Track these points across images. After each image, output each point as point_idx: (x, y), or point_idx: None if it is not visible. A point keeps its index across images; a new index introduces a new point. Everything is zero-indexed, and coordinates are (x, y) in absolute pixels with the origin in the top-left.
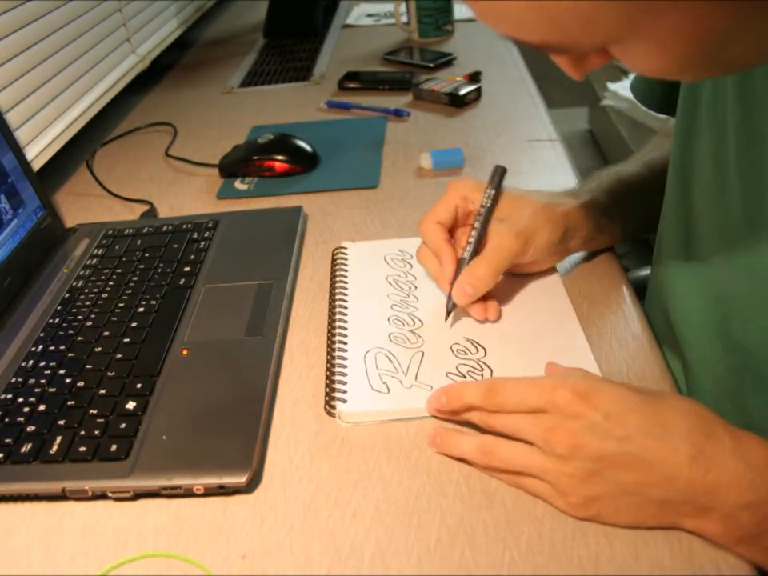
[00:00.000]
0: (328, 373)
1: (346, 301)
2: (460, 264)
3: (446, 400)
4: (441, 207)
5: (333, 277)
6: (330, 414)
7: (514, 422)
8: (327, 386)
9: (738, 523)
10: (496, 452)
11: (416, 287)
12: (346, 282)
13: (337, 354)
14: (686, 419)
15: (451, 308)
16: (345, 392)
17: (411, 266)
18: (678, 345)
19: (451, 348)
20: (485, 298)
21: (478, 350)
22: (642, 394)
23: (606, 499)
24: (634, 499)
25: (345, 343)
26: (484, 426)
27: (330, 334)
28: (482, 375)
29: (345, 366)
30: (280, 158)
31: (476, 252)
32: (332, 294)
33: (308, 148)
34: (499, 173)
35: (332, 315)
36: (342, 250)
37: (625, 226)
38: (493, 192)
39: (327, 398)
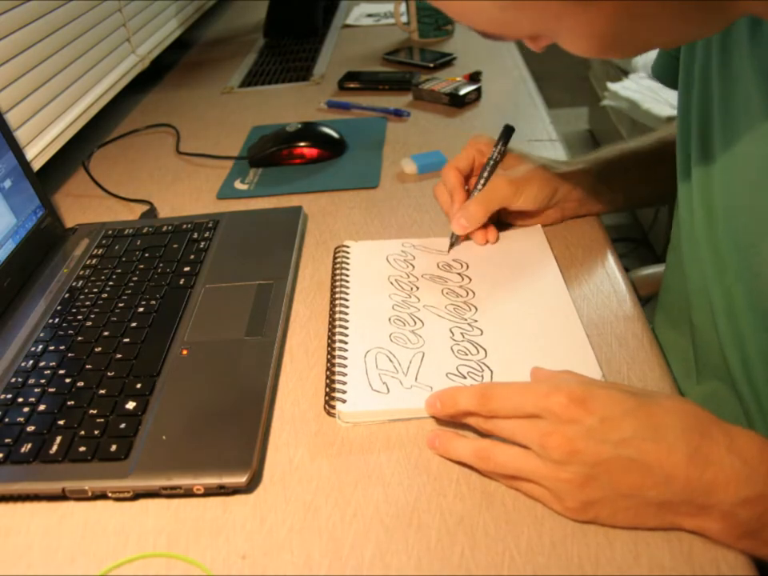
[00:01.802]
0: (328, 372)
1: (347, 300)
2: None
3: (441, 406)
4: (461, 157)
5: (334, 275)
6: (329, 413)
7: (510, 426)
8: (327, 385)
9: (738, 519)
10: (492, 457)
11: (417, 288)
12: (347, 281)
13: (337, 353)
14: (680, 419)
15: (453, 239)
16: (344, 392)
17: (413, 266)
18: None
19: (452, 349)
20: (485, 226)
21: (478, 351)
22: (635, 396)
23: (604, 503)
24: (632, 502)
25: (345, 343)
26: (481, 431)
27: (331, 333)
28: (482, 376)
29: (345, 366)
30: (310, 144)
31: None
32: (333, 293)
33: (335, 134)
34: (506, 132)
35: (332, 314)
36: (345, 249)
37: (625, 194)
38: (500, 148)
39: (327, 398)
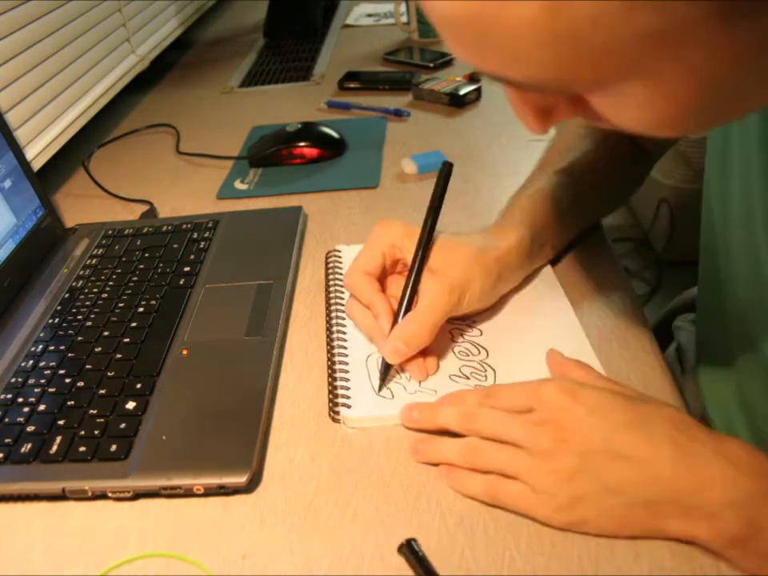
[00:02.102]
0: (330, 378)
1: (343, 304)
2: (394, 319)
3: (457, 399)
4: (367, 257)
5: (327, 280)
6: (334, 420)
7: (500, 421)
8: (330, 392)
9: (725, 524)
10: (480, 451)
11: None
12: (341, 285)
13: (337, 359)
14: (668, 421)
15: (384, 370)
16: (348, 397)
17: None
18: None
19: (453, 350)
20: (423, 353)
21: (480, 352)
22: (625, 395)
23: (591, 500)
24: (619, 500)
25: (345, 348)
26: (466, 432)
27: (329, 339)
28: (486, 376)
29: (347, 372)
30: (310, 144)
31: (410, 307)
32: (328, 298)
33: (335, 134)
34: (434, 212)
35: (329, 319)
36: (336, 253)
37: (557, 243)
38: (424, 242)
39: (331, 404)
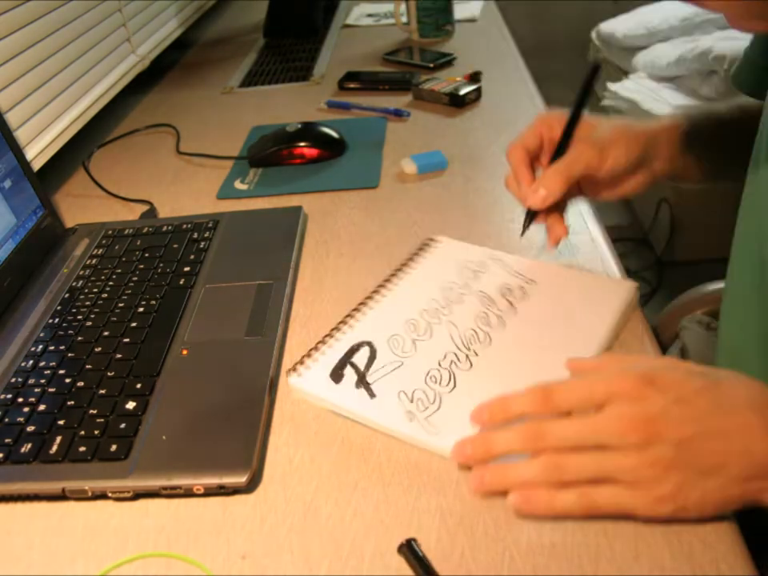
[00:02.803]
0: (316, 344)
1: (390, 289)
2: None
3: (488, 416)
4: (528, 133)
5: (405, 261)
6: (287, 376)
7: (576, 429)
8: (305, 354)
9: None
10: (564, 464)
11: (461, 302)
12: (408, 272)
13: (335, 333)
14: (749, 394)
15: (527, 217)
16: (308, 367)
17: (478, 279)
18: None
19: (428, 372)
20: (561, 214)
21: (448, 384)
22: (701, 374)
23: (690, 486)
24: (717, 482)
25: (352, 326)
26: (541, 452)
27: (349, 314)
28: (430, 403)
29: (331, 346)
30: (310, 144)
31: (557, 159)
32: (387, 278)
33: (335, 134)
34: (592, 73)
35: (367, 297)
36: (434, 242)
37: (708, 158)
38: (578, 103)
39: (295, 364)
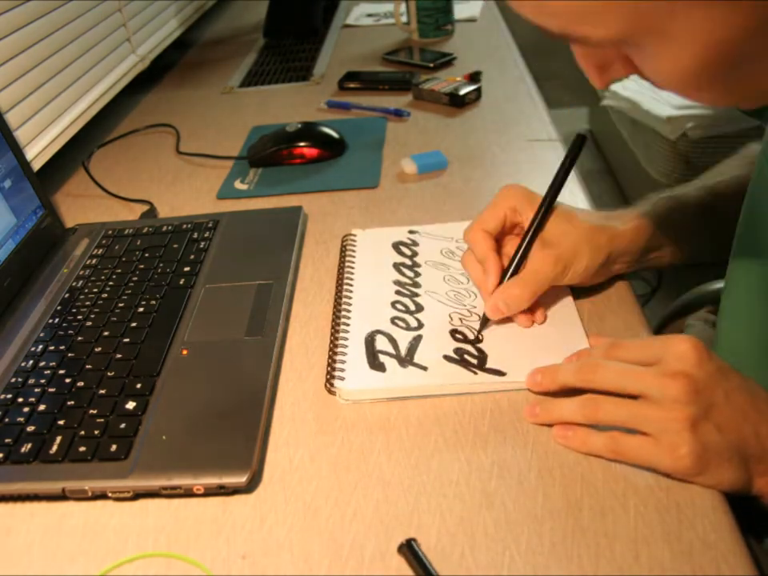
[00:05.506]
0: (330, 353)
1: (351, 285)
2: (501, 278)
3: (575, 356)
4: (489, 215)
5: (340, 262)
6: (330, 392)
7: (625, 371)
8: (329, 364)
9: None
10: (600, 404)
11: (420, 273)
12: (352, 267)
13: (340, 335)
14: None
15: (483, 322)
16: (343, 370)
17: (417, 253)
18: None
19: (450, 333)
20: (531, 309)
21: (475, 337)
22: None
23: (713, 452)
24: (738, 458)
25: (348, 325)
26: (586, 384)
27: (335, 317)
28: (477, 360)
29: (346, 347)
30: (310, 144)
31: (517, 270)
32: (338, 279)
33: (335, 134)
34: (557, 182)
35: (338, 299)
36: (351, 237)
37: (677, 250)
38: (541, 213)
39: (328, 377)
